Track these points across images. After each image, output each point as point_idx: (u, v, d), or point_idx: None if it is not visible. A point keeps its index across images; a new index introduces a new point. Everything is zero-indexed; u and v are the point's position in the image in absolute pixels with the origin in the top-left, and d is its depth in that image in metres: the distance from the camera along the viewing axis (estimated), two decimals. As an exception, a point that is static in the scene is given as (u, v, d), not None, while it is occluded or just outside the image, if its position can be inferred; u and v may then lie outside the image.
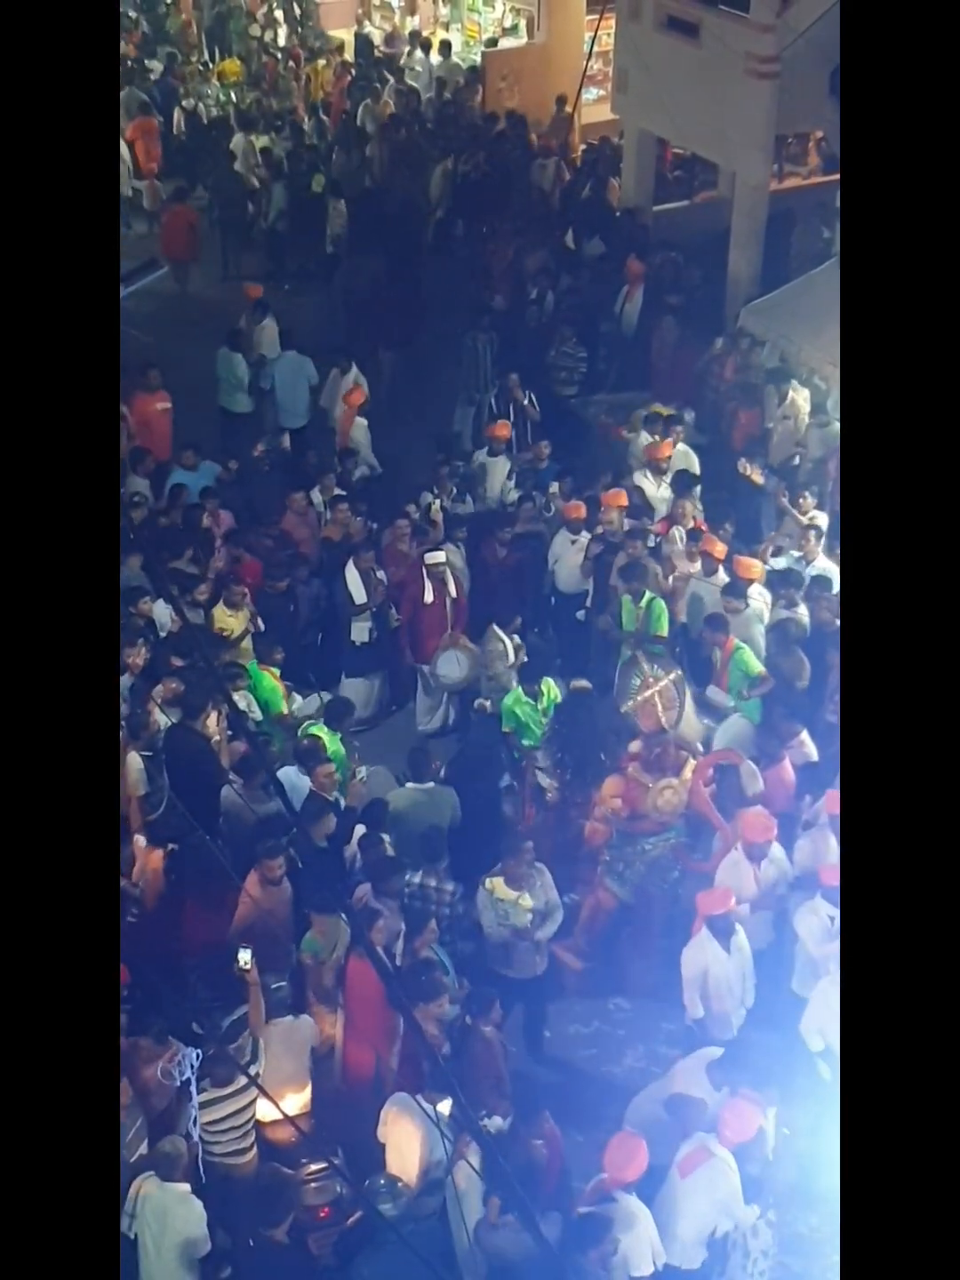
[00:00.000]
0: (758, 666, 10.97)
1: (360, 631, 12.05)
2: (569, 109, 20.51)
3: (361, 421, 14.63)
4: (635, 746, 9.92)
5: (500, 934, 9.13)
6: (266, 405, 15.63)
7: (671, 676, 9.90)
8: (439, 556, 12.01)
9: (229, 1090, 7.71)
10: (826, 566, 12.50)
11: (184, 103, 22.93)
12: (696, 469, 13.71)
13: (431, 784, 10.06)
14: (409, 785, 10.13)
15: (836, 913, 8.79)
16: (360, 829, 9.64)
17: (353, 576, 11.92)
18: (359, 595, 11.93)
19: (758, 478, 13.68)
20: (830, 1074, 8.21)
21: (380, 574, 12.07)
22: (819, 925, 8.89)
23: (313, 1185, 7.84)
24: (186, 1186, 7.24)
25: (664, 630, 11.57)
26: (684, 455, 13.81)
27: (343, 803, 10.06)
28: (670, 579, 11.98)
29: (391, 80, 23.22)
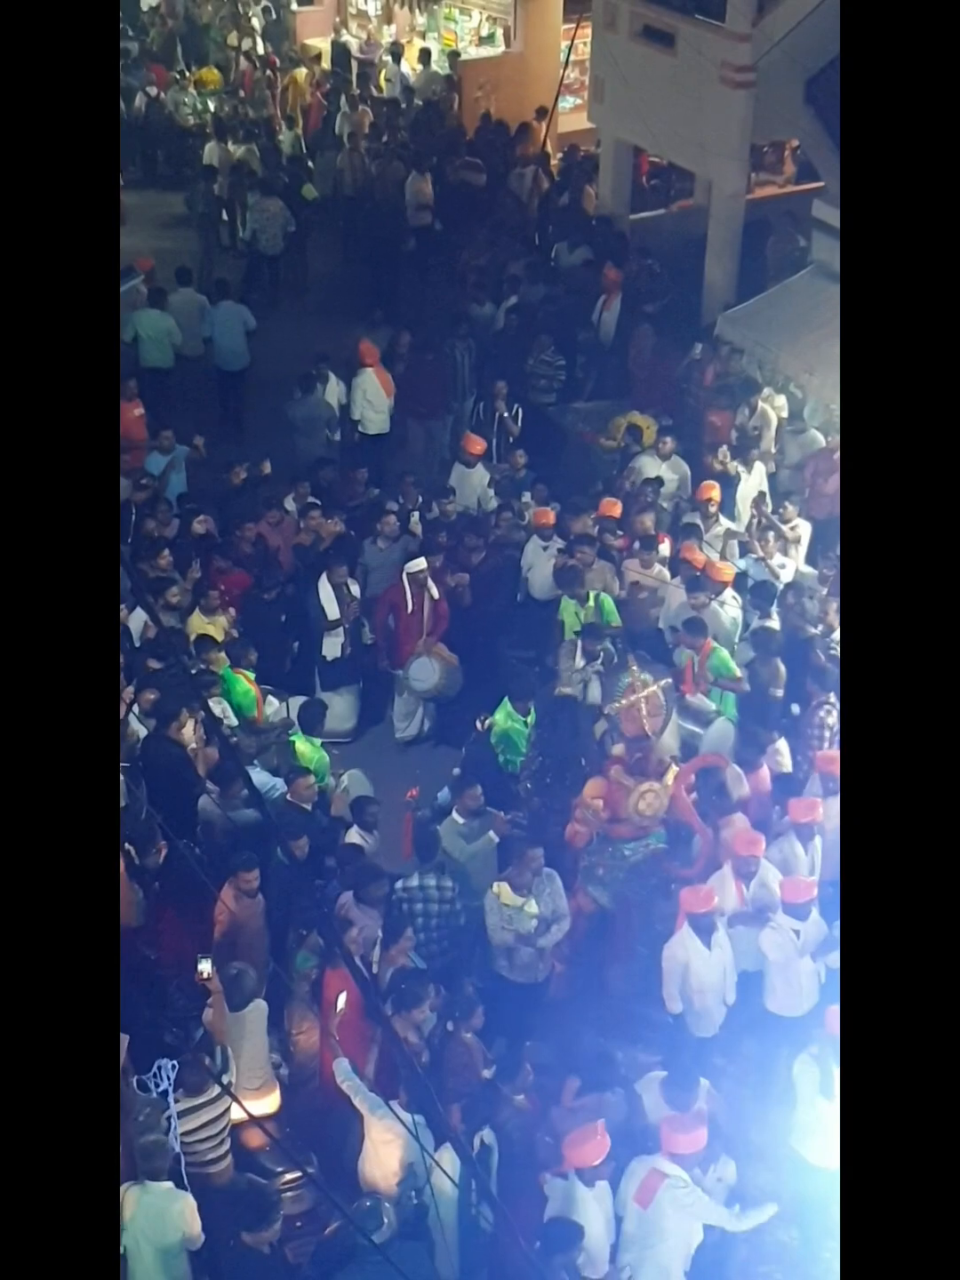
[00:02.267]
0: (735, 669, 11.02)
1: (332, 647, 11.98)
2: (542, 123, 20.54)
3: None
4: (618, 749, 9.90)
5: (504, 939, 9.13)
6: (208, 354, 16.48)
7: (661, 684, 9.87)
8: (419, 564, 12.00)
9: (203, 1099, 7.67)
10: (805, 572, 12.61)
11: (147, 90, 22.95)
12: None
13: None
14: (456, 818, 9.90)
15: (799, 926, 8.86)
16: (353, 832, 9.64)
17: (325, 591, 11.85)
18: (331, 611, 11.86)
19: (732, 469, 13.77)
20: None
21: (354, 588, 12.02)
22: (784, 942, 8.90)
23: (288, 1195, 7.82)
24: (170, 1183, 7.21)
25: (617, 621, 11.69)
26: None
27: (330, 810, 10.05)
28: (632, 588, 12.02)
29: (369, 89, 23.26)
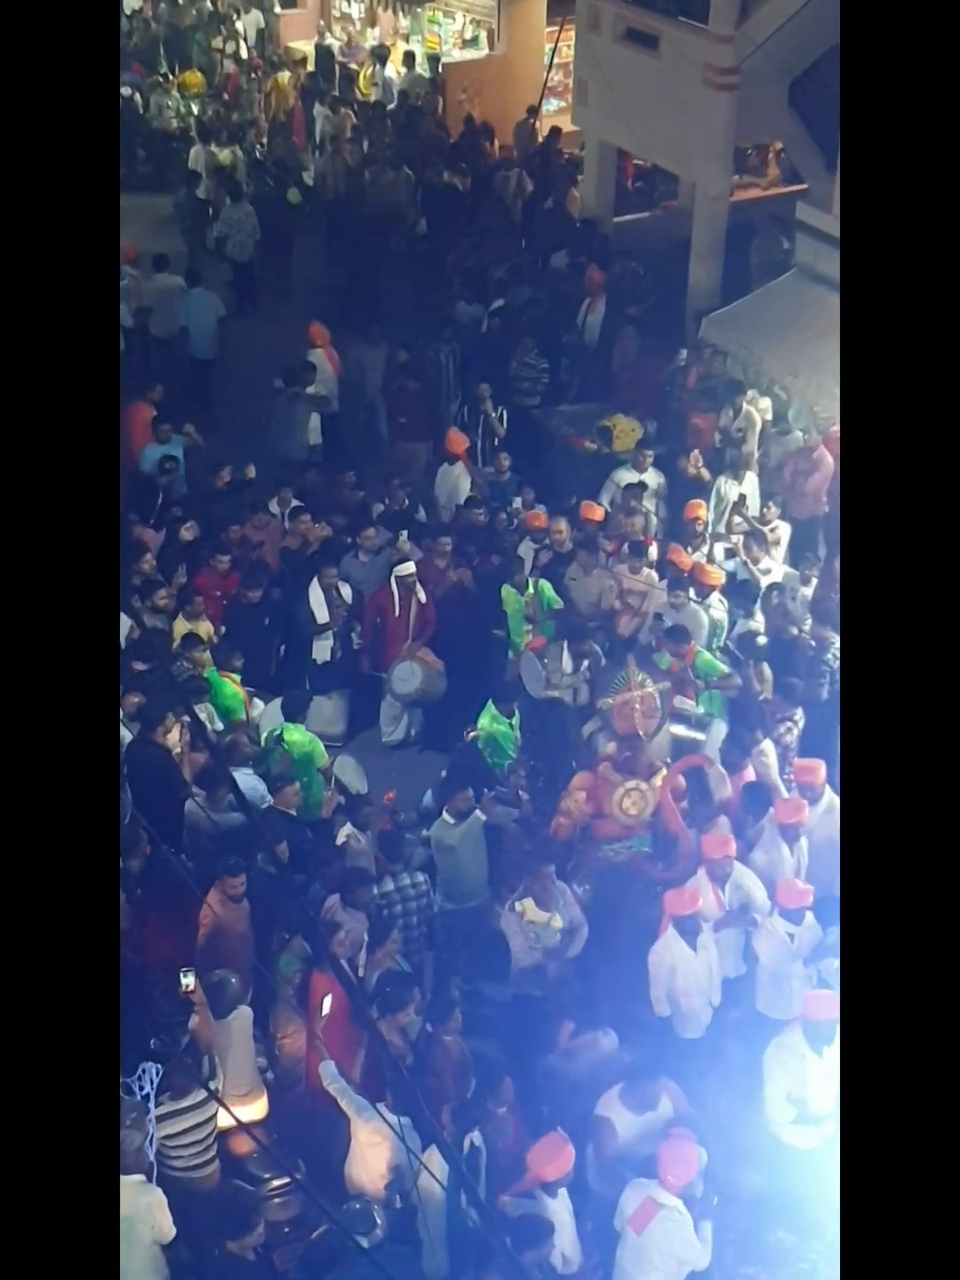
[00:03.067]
0: (722, 667, 11.06)
1: (322, 651, 11.93)
2: (535, 122, 20.56)
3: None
4: (610, 748, 9.87)
5: (532, 957, 9.05)
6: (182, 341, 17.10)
7: (658, 686, 9.84)
8: (408, 567, 11.98)
9: (187, 1103, 7.64)
10: (788, 574, 12.61)
11: (122, 91, 22.89)
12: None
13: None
14: (446, 819, 9.86)
15: (794, 930, 8.87)
16: (346, 831, 9.62)
17: (316, 595, 11.81)
18: (321, 615, 11.81)
19: (706, 474, 13.79)
20: (800, 1138, 8.14)
21: (344, 592, 11.98)
22: (777, 945, 8.90)
23: (276, 1200, 7.80)
24: (141, 1177, 7.18)
25: (558, 605, 11.88)
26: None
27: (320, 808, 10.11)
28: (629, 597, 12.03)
29: (352, 92, 23.25)
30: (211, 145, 21.05)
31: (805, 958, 8.85)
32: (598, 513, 12.90)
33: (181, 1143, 7.69)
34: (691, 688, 10.97)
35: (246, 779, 10.01)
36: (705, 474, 13.89)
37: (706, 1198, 7.57)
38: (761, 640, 11.39)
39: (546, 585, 11.96)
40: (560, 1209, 7.36)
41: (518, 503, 13.64)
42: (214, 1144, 7.89)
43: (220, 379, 17.08)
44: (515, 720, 10.76)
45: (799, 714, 10.49)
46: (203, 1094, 7.58)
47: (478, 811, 9.73)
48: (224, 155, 20.90)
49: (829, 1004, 7.81)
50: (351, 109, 22.33)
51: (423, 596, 12.04)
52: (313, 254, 20.23)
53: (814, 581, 12.16)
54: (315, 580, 11.85)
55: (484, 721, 10.80)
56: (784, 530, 13.10)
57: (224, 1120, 7.81)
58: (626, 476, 13.69)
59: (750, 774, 10.08)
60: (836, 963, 8.48)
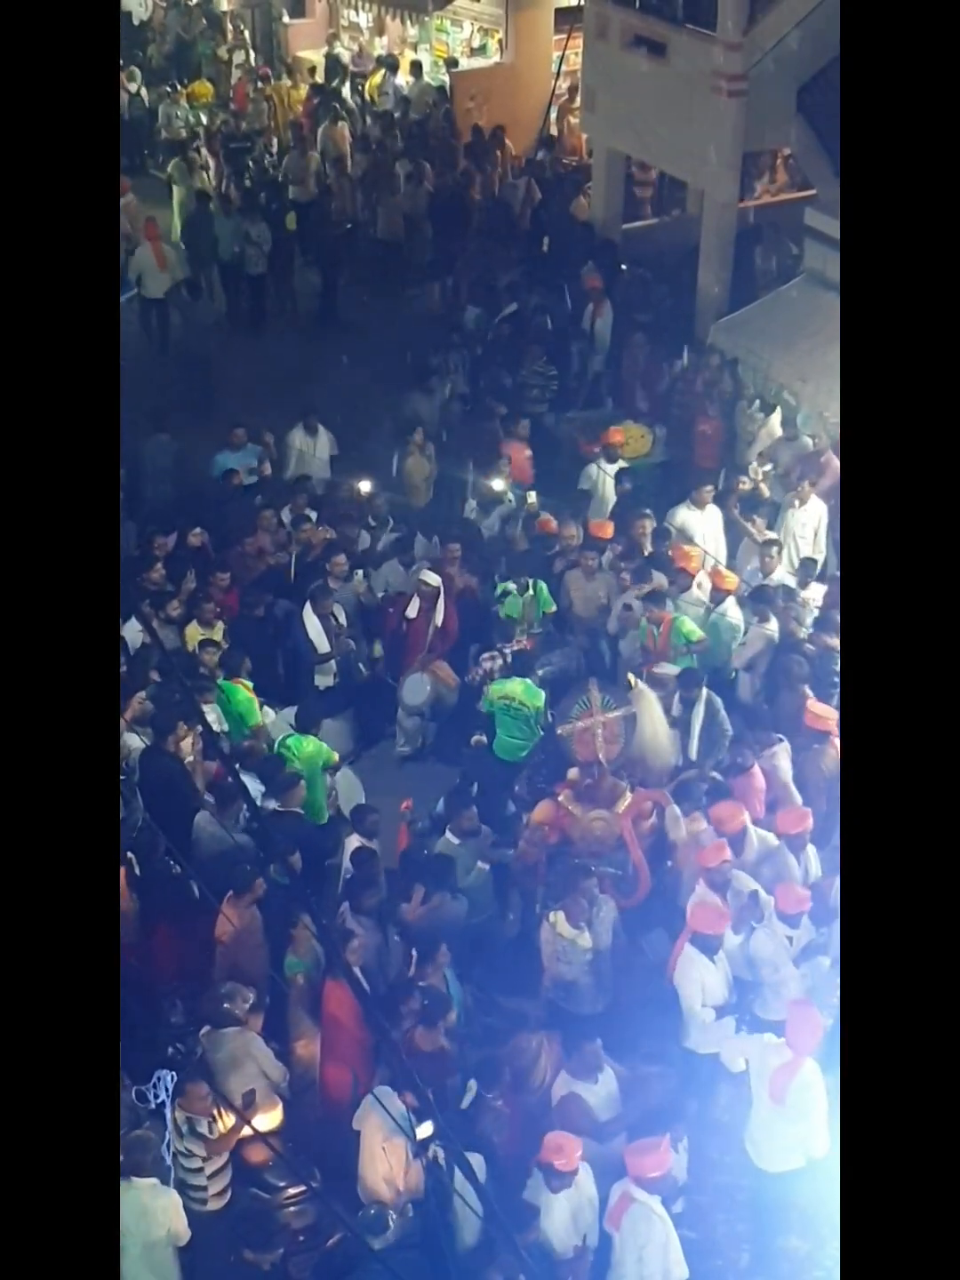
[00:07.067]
0: (698, 632, 11.18)
1: (324, 678, 11.84)
2: (549, 128, 20.55)
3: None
4: (573, 774, 9.75)
5: (559, 972, 8.96)
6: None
7: (621, 712, 9.68)
8: (434, 579, 11.92)
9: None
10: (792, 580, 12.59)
11: (127, 86, 23.01)
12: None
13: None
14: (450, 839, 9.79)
15: (792, 934, 8.83)
16: (355, 840, 9.59)
17: (313, 624, 11.64)
18: (321, 645, 11.68)
19: (766, 489, 13.71)
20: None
21: (341, 617, 11.89)
22: (777, 948, 8.85)
23: (291, 1210, 7.80)
24: (154, 1179, 7.19)
25: (552, 607, 11.99)
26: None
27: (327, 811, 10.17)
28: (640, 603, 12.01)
29: (361, 100, 23.28)
30: (220, 156, 21.13)
31: (796, 959, 8.82)
32: (607, 529, 12.82)
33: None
34: (666, 648, 11.10)
35: (250, 782, 10.02)
36: (765, 490, 13.76)
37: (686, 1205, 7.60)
38: (773, 643, 11.38)
39: (542, 586, 11.99)
40: (561, 1205, 7.34)
41: (533, 497, 13.64)
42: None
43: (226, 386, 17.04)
44: (544, 699, 10.71)
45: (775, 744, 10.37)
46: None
47: (481, 864, 9.66)
48: (232, 166, 20.99)
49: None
50: (352, 119, 22.34)
51: (442, 612, 11.95)
52: (318, 266, 20.21)
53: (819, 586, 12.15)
54: (308, 608, 11.68)
55: (515, 689, 10.76)
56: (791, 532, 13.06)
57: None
58: (690, 520, 13.22)
59: (757, 775, 10.01)
60: (825, 960, 8.58)
